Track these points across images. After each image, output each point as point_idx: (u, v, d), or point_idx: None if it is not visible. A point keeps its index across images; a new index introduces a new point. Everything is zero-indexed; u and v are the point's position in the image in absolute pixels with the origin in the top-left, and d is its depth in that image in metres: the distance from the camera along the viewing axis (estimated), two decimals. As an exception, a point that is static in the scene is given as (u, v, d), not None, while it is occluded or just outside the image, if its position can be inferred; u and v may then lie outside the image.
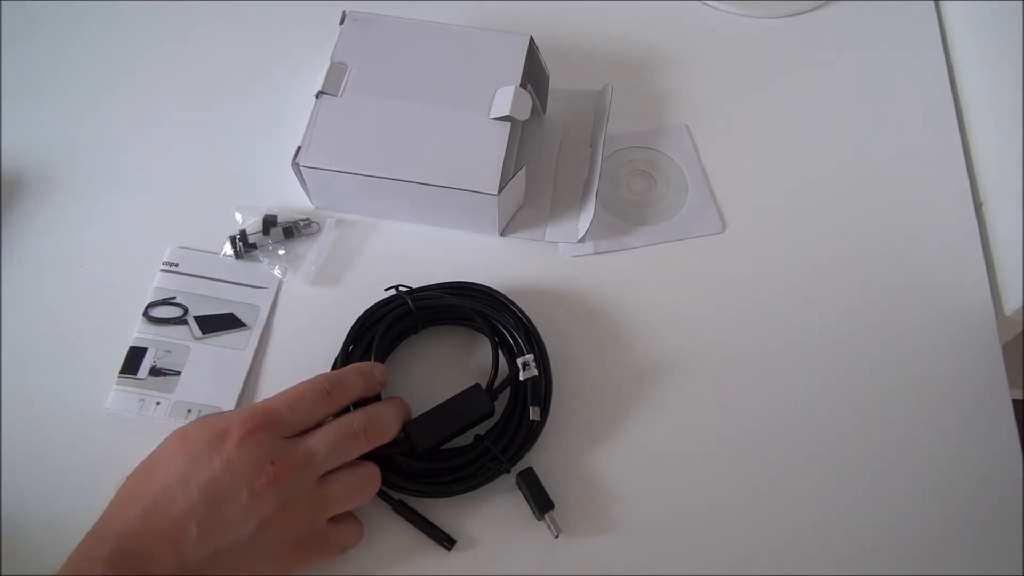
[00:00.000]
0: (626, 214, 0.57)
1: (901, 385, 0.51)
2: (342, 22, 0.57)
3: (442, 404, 0.47)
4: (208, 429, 0.40)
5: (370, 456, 0.46)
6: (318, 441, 0.42)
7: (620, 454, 0.49)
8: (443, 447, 0.47)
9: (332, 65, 0.55)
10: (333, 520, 0.43)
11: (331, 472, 0.42)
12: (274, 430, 0.41)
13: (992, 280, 0.55)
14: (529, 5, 0.66)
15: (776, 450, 0.49)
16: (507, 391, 0.49)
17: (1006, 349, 0.53)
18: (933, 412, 0.50)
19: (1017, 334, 0.56)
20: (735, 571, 0.46)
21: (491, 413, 0.48)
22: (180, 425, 0.42)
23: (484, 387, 0.48)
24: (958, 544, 0.46)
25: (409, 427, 0.46)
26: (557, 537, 0.46)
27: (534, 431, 0.48)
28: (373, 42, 0.56)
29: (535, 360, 0.48)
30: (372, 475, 0.44)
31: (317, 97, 0.54)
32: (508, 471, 0.46)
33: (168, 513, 0.38)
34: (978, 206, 0.58)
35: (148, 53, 0.64)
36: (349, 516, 0.45)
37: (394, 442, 0.46)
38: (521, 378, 0.48)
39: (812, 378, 0.51)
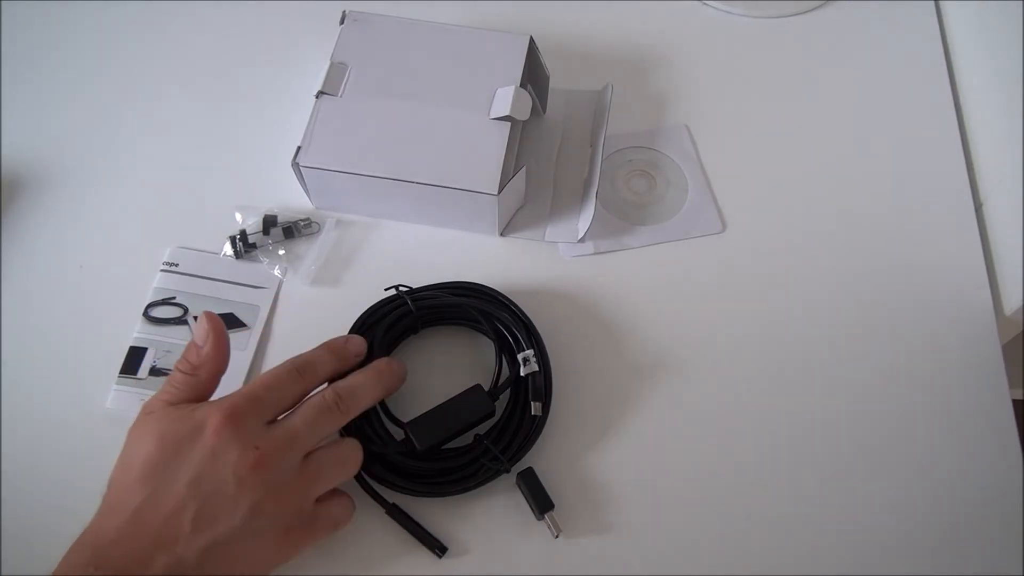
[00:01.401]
0: (626, 214, 0.57)
1: (901, 385, 0.51)
2: (342, 22, 0.57)
3: (442, 404, 0.47)
4: (184, 423, 0.40)
5: (368, 456, 0.46)
6: (297, 420, 0.42)
7: (620, 454, 0.49)
8: (443, 447, 0.47)
9: (332, 65, 0.55)
10: (321, 500, 0.43)
11: (313, 452, 0.42)
12: (254, 415, 0.41)
13: (992, 280, 0.55)
14: (529, 5, 0.66)
15: (776, 450, 0.49)
16: (507, 392, 0.49)
17: (1006, 349, 0.53)
18: (933, 412, 0.50)
19: (1017, 334, 0.56)
20: (735, 571, 0.46)
21: (492, 414, 0.48)
22: (145, 415, 0.42)
23: (485, 388, 0.48)
24: (958, 544, 0.46)
25: (409, 427, 0.46)
26: (557, 537, 0.46)
27: (536, 428, 0.48)
28: (373, 42, 0.56)
29: (535, 356, 0.48)
30: (354, 448, 0.44)
31: (317, 97, 0.54)
32: (508, 471, 0.47)
33: (158, 514, 0.38)
34: (978, 206, 0.58)
35: (148, 53, 0.64)
36: (336, 494, 0.45)
37: (394, 442, 0.46)
38: (522, 373, 0.48)
39: (812, 378, 0.51)
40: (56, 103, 0.61)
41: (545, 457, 0.48)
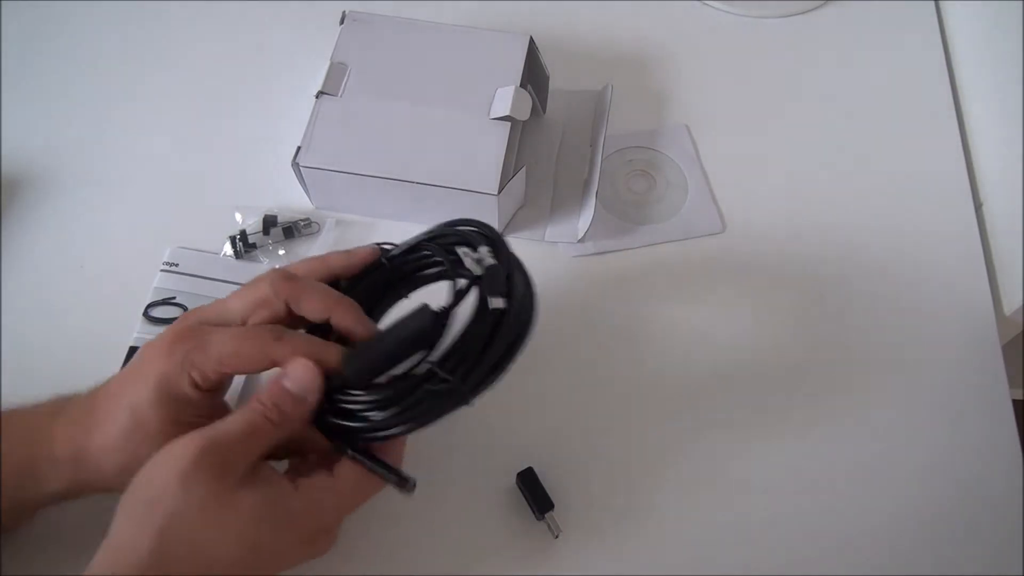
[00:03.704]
0: (626, 214, 0.57)
1: (901, 385, 0.51)
2: (342, 22, 0.57)
3: (381, 331, 0.41)
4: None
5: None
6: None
7: (620, 454, 0.49)
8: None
9: (332, 65, 0.55)
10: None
11: None
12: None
13: (992, 280, 0.55)
14: (529, 5, 0.66)
15: (776, 451, 0.49)
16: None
17: (1006, 349, 0.53)
18: (933, 412, 0.50)
19: (1017, 334, 0.56)
20: (735, 571, 0.46)
21: (429, 329, 0.39)
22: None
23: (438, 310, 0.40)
24: (958, 544, 0.46)
25: (343, 358, 0.40)
26: (557, 537, 0.46)
27: (499, 330, 0.38)
28: (373, 42, 0.56)
29: (491, 253, 0.41)
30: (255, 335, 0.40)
31: (317, 97, 0.54)
32: (465, 396, 0.38)
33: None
34: (978, 206, 0.58)
35: (148, 53, 0.64)
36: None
37: (326, 378, 0.39)
38: (476, 272, 0.40)
39: (811, 378, 0.51)
40: (56, 103, 0.61)
41: (545, 456, 0.48)
